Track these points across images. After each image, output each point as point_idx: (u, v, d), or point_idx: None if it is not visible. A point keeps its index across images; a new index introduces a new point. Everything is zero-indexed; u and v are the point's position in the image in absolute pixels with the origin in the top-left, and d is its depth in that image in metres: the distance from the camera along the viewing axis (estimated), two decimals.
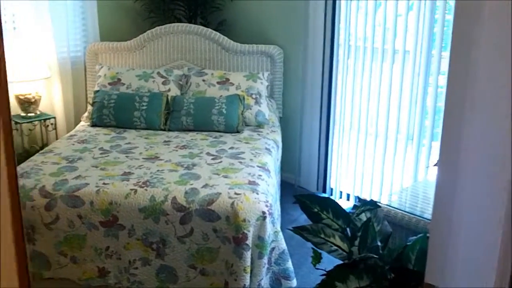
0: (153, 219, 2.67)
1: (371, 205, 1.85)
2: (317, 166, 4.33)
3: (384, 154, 3.85)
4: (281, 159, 4.05)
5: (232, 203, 2.62)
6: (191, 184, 2.78)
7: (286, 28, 4.38)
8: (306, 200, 1.75)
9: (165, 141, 3.58)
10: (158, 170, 2.99)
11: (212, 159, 3.20)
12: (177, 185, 2.77)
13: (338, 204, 1.80)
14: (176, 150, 3.37)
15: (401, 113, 3.72)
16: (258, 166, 3.09)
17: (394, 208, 2.78)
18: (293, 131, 4.47)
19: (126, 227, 2.70)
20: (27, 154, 4.15)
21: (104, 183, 2.81)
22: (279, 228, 2.73)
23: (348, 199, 4.17)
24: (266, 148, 3.47)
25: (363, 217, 1.85)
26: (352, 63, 3.99)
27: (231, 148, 3.42)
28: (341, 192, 4.23)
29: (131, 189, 2.75)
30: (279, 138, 3.92)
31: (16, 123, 4.18)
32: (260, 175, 2.95)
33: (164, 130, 3.87)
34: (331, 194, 4.28)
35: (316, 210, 1.73)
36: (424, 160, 3.61)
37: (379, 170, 3.89)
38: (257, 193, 2.71)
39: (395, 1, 3.57)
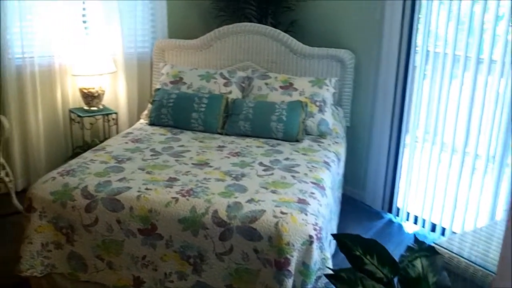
0: (192, 231, 2.49)
1: (429, 251, 1.55)
2: (383, 182, 3.99)
3: (460, 174, 3.45)
4: (345, 172, 3.78)
5: (276, 223, 2.39)
6: (236, 197, 2.58)
7: (359, 31, 4.07)
8: (346, 240, 1.48)
9: (219, 146, 3.41)
10: (204, 179, 2.81)
11: (264, 170, 2.98)
12: (220, 197, 2.58)
13: (385, 248, 1.51)
14: (228, 157, 3.18)
15: (482, 129, 3.31)
16: (312, 183, 2.83)
17: (457, 255, 2.37)
18: (360, 142, 4.16)
19: (164, 238, 2.54)
20: (87, 147, 4.13)
21: (146, 189, 2.67)
22: (328, 255, 2.46)
23: (415, 222, 3.80)
24: (325, 162, 3.21)
25: (418, 263, 1.56)
26: (429, 71, 3.61)
27: (287, 159, 3.19)
28: (408, 213, 3.87)
29: (173, 198, 2.58)
30: (342, 150, 3.63)
31: (79, 116, 4.17)
32: (312, 193, 2.69)
33: (221, 134, 3.71)
34: (397, 215, 3.93)
35: (358, 253, 1.46)
36: (506, 187, 3.19)
37: (453, 192, 3.50)
38: (306, 214, 2.46)
39: (483, 6, 3.17)
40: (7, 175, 3.67)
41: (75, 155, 4.13)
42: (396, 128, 3.86)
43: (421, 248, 1.59)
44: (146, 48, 4.61)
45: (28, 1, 3.90)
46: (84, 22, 4.30)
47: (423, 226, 3.74)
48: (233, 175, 2.87)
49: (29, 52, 3.99)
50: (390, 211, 4.00)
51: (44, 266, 2.70)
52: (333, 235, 1.54)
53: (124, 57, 4.41)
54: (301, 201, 2.57)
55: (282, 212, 2.45)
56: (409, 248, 1.62)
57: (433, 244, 2.33)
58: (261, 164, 3.08)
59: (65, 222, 2.66)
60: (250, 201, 2.55)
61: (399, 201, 3.94)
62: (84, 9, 4.27)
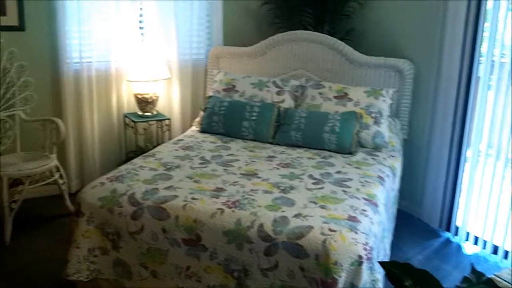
0: (236, 245, 2.42)
1: (488, 285, 1.40)
2: (442, 198, 3.79)
3: None
4: (401, 186, 3.62)
5: (324, 241, 2.28)
6: (283, 211, 2.49)
7: (418, 40, 3.89)
8: (395, 269, 1.36)
9: (269, 156, 3.34)
10: (251, 190, 2.74)
11: (314, 183, 2.87)
12: (266, 211, 2.50)
13: (438, 282, 1.37)
14: (278, 169, 3.10)
15: None
16: (364, 199, 2.70)
17: None
18: (418, 156, 3.97)
19: (208, 249, 2.49)
20: (140, 152, 4.15)
21: (192, 198, 2.63)
22: (378, 276, 2.32)
23: (475, 243, 3.58)
24: (379, 177, 3.07)
25: None
26: (494, 82, 3.39)
27: (338, 172, 3.07)
28: (468, 233, 3.65)
29: (218, 209, 2.52)
30: (398, 164, 3.48)
31: (133, 121, 4.20)
32: (364, 210, 2.56)
33: (272, 143, 3.64)
34: (456, 234, 3.72)
35: (407, 284, 1.33)
36: None
37: None
38: (356, 233, 2.34)
39: None
40: (61, 177, 3.73)
41: (128, 159, 4.17)
42: (457, 141, 3.66)
43: (479, 280, 1.44)
44: (201, 55, 4.61)
45: (87, 6, 3.96)
46: (141, 28, 4.34)
47: (484, 248, 3.52)
48: (281, 188, 2.79)
49: (87, 57, 4.06)
50: (448, 229, 3.79)
51: (90, 271, 2.70)
52: (380, 263, 1.41)
53: (179, 64, 4.42)
54: (352, 219, 2.45)
55: (330, 230, 2.34)
56: (465, 279, 1.47)
57: (493, 277, 2.15)
58: (311, 176, 2.98)
59: (111, 228, 2.66)
60: (298, 216, 2.45)
61: (459, 219, 3.73)
62: (141, 15, 4.31)
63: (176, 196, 2.64)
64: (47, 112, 4.01)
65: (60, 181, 3.72)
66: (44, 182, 3.60)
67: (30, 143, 3.87)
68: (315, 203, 2.60)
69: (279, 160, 3.26)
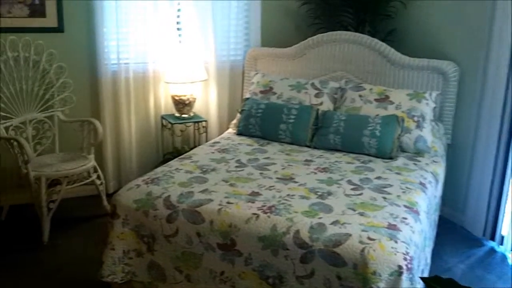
0: (271, 251, 2.36)
1: None
2: (487, 206, 3.63)
3: None
4: (444, 192, 3.50)
5: (363, 250, 2.19)
6: (320, 218, 2.42)
7: (464, 41, 3.74)
8: (437, 285, 1.27)
9: (306, 160, 3.26)
10: (288, 195, 2.68)
11: (352, 189, 2.79)
12: (303, 217, 2.43)
13: None
14: (315, 173, 3.03)
15: None
16: (405, 206, 2.60)
17: None
18: (462, 161, 3.82)
19: (243, 254, 2.43)
20: (177, 154, 4.15)
21: (228, 202, 2.58)
22: (419, 287, 2.23)
23: None
24: (421, 183, 2.95)
25: None
26: None
27: (378, 178, 2.97)
28: None
29: (254, 214, 2.47)
30: (440, 170, 3.35)
31: (170, 122, 4.19)
32: (404, 218, 2.46)
33: (309, 147, 3.57)
34: (501, 243, 3.56)
35: None
36: None
37: None
38: (396, 241, 2.25)
39: None
40: (98, 178, 3.76)
41: (165, 161, 4.17)
42: (504, 146, 3.49)
43: None
44: (238, 56, 4.57)
45: (125, 8, 3.98)
46: (178, 29, 4.33)
47: None
48: (319, 193, 2.71)
49: (125, 58, 4.07)
50: (492, 238, 3.63)
51: (125, 273, 2.69)
52: (422, 279, 1.33)
53: (216, 65, 4.39)
54: (391, 227, 2.36)
55: (369, 238, 2.26)
56: None
57: None
58: (349, 182, 2.89)
59: (146, 231, 2.64)
60: (335, 223, 2.38)
61: (504, 228, 3.56)
62: (178, 16, 4.30)
63: (211, 200, 2.61)
64: (85, 113, 4.04)
65: (98, 182, 3.74)
66: (82, 183, 3.62)
67: (68, 144, 3.92)
68: (354, 210, 2.52)
69: (316, 165, 3.19)
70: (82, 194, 4.02)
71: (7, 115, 3.61)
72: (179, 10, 4.29)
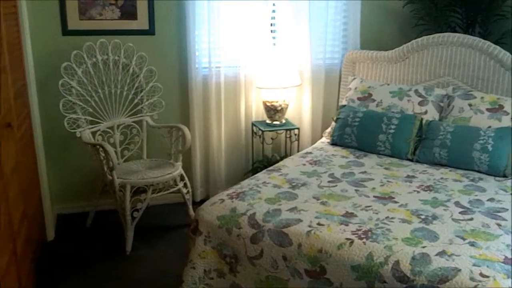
0: (366, 282, 2.09)
1: None
2: None
3: None
4: None
5: None
6: (423, 247, 2.10)
7: None
8: None
9: (407, 176, 2.94)
10: (387, 217, 2.38)
11: (461, 212, 2.44)
12: (404, 245, 2.13)
13: None
14: (418, 192, 2.70)
15: None
16: None
17: None
18: None
19: (333, 284, 2.18)
20: (267, 162, 3.97)
21: (318, 224, 2.33)
22: None
23: None
24: None
25: None
26: None
27: (490, 200, 2.59)
28: None
29: (347, 239, 2.20)
30: None
31: (260, 129, 4.01)
32: None
33: (411, 160, 3.24)
34: None
35: None
36: None
37: None
38: None
39: None
40: (185, 186, 3.64)
41: (254, 169, 4.00)
42: None
43: None
44: (335, 60, 4.29)
45: (217, 9, 3.84)
46: (272, 31, 4.13)
47: None
48: (422, 216, 2.39)
49: (216, 62, 3.94)
50: None
51: None
52: None
53: (311, 70, 4.15)
54: (508, 261, 2.00)
55: (482, 275, 1.92)
56: None
57: None
58: (457, 204, 2.54)
59: (229, 250, 2.45)
60: (442, 254, 2.05)
61: None
62: (272, 17, 4.10)
63: (300, 220, 2.37)
64: (174, 118, 3.96)
65: (184, 190, 3.62)
66: (168, 191, 3.52)
67: (156, 150, 3.85)
68: (463, 238, 2.18)
69: (419, 181, 2.86)
70: (168, 201, 3.93)
71: (95, 119, 3.58)
72: (273, 11, 4.09)
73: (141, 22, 3.75)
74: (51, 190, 3.65)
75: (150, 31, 3.79)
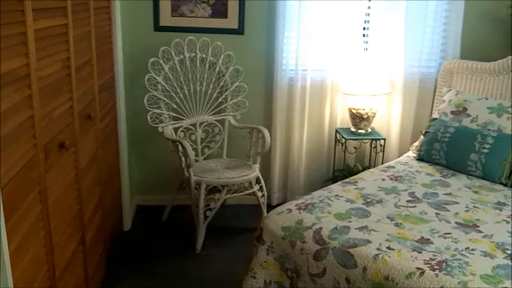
0: None
1: None
2: None
3: None
4: None
5: None
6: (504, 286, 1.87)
7: None
8: None
9: (498, 203, 2.66)
10: (466, 248, 2.15)
11: None
12: (482, 283, 1.90)
13: None
14: (507, 222, 2.42)
15: None
16: None
17: None
18: None
19: None
20: (348, 172, 3.80)
21: (388, 247, 2.16)
22: None
23: None
24: None
25: None
26: None
27: None
28: None
29: (418, 268, 2.01)
30: None
31: (343, 137, 3.83)
32: None
33: (505, 185, 2.93)
34: None
35: None
36: None
37: None
38: None
39: None
40: (260, 189, 3.55)
41: (334, 178, 3.84)
42: None
43: None
44: (431, 69, 4.01)
45: (308, 10, 3.71)
46: (365, 35, 3.93)
47: None
48: (508, 251, 2.13)
49: (303, 64, 3.81)
50: None
51: None
52: None
53: (404, 78, 3.90)
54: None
55: None
56: None
57: None
58: None
59: (291, 264, 2.34)
60: None
61: None
62: (366, 21, 3.90)
63: (368, 241, 2.20)
64: (257, 120, 3.89)
65: (259, 194, 3.54)
66: (243, 193, 3.45)
67: (236, 150, 3.80)
68: None
69: (511, 210, 2.57)
70: (244, 202, 3.87)
71: (178, 115, 3.59)
72: (367, 14, 3.88)
73: (231, 21, 3.71)
74: (132, 181, 3.72)
75: (239, 31, 3.74)
